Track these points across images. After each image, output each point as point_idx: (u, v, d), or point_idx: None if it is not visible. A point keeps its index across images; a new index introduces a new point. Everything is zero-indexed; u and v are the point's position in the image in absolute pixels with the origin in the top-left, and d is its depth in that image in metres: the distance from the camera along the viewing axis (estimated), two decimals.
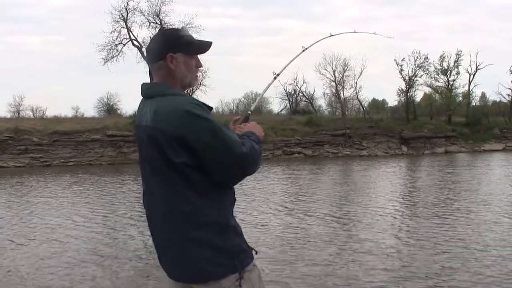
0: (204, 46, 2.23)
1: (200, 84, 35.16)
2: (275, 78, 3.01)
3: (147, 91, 2.16)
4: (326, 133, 35.67)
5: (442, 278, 6.14)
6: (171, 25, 34.28)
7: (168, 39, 2.16)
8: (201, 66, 2.24)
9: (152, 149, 2.04)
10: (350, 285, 5.92)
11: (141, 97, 2.20)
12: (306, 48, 3.28)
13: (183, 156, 1.99)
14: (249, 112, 2.63)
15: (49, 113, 44.27)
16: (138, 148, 2.21)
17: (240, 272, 2.05)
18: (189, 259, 2.03)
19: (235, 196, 2.20)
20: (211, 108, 2.10)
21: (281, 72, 3.02)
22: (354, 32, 3.71)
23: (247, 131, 2.26)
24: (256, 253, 2.17)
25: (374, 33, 3.85)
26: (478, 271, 6.31)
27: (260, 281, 2.15)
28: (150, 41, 2.25)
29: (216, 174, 2.03)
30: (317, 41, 3.44)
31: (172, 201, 2.04)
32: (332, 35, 3.54)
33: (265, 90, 3.03)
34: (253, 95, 56.76)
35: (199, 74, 2.28)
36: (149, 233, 2.24)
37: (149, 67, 2.28)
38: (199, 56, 2.24)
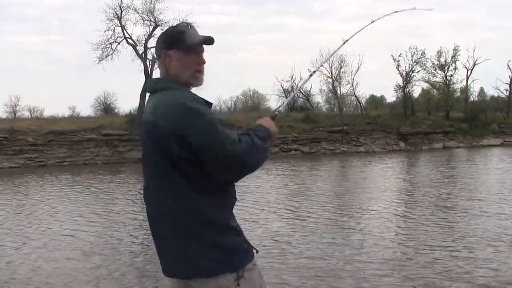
0: (196, 42, 2.16)
1: None
2: (311, 75, 3.11)
3: (151, 86, 2.18)
4: (323, 129, 35.47)
5: (441, 267, 6.06)
6: (165, 22, 34.05)
7: (164, 37, 2.18)
8: (201, 63, 2.18)
9: (152, 143, 2.05)
10: (342, 277, 5.79)
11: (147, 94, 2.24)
12: (347, 40, 3.13)
13: (179, 151, 1.98)
14: (276, 113, 2.54)
15: (47, 113, 44.18)
16: (141, 145, 2.23)
17: (238, 272, 2.03)
18: (188, 256, 2.03)
19: (236, 195, 2.18)
20: (210, 104, 2.11)
21: (318, 68, 2.90)
22: (395, 12, 3.36)
23: (258, 125, 2.25)
24: (257, 252, 2.17)
25: (414, 8, 3.52)
26: (481, 263, 6.17)
27: (261, 280, 2.14)
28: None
29: (214, 171, 2.02)
30: (359, 31, 3.12)
31: (173, 198, 2.03)
32: (373, 21, 3.22)
33: (299, 88, 2.88)
34: (251, 92, 56.60)
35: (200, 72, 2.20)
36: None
37: None
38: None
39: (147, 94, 2.22)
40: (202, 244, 2.01)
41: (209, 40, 2.18)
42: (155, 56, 2.20)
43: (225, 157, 1.98)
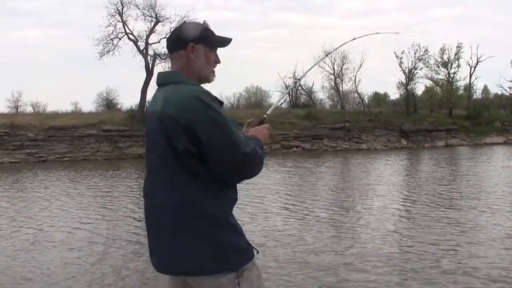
0: (224, 41, 2.23)
1: None
2: (295, 83, 3.02)
3: (162, 78, 2.16)
4: (325, 126, 35.31)
5: (442, 263, 6.00)
6: (166, 18, 33.96)
7: (191, 29, 2.16)
8: (219, 62, 2.23)
9: (159, 135, 2.02)
10: (339, 272, 5.63)
11: (156, 87, 2.22)
12: (329, 53, 3.24)
13: (187, 144, 1.96)
14: (265, 116, 2.55)
15: (50, 109, 43.98)
16: (146, 136, 2.22)
17: (238, 271, 2.01)
18: (187, 253, 1.99)
19: (237, 195, 2.17)
20: (222, 103, 2.09)
21: (302, 77, 2.96)
22: (377, 33, 3.63)
23: (251, 135, 2.22)
24: (257, 252, 2.15)
25: (397, 33, 3.78)
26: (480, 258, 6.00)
27: (259, 280, 2.11)
28: (173, 30, 2.25)
29: (216, 168, 1.99)
30: (340, 45, 3.55)
31: (174, 190, 2.01)
32: (355, 38, 3.39)
33: (284, 95, 2.91)
34: (254, 88, 56.35)
35: (216, 70, 2.24)
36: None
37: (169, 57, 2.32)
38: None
39: (156, 87, 2.21)
40: (201, 241, 1.98)
41: (229, 42, 2.26)
42: (168, 48, 2.15)
43: (233, 158, 1.97)
